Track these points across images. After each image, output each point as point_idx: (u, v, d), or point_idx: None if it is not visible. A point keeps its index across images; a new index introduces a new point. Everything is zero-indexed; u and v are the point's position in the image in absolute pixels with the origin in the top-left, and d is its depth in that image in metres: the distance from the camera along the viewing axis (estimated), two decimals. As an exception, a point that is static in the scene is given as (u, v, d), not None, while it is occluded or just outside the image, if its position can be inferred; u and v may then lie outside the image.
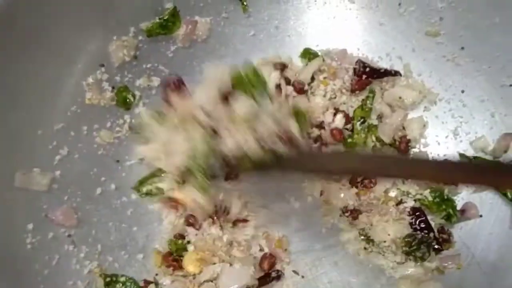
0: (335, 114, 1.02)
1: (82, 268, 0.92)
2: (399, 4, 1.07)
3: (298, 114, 0.96)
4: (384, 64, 1.07)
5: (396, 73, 1.04)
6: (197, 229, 0.97)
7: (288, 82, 1.03)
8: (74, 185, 0.96)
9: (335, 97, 1.04)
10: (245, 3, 1.09)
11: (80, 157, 0.97)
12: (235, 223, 0.98)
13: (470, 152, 1.00)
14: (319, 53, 1.08)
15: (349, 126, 1.02)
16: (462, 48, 1.04)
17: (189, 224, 0.98)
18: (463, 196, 0.98)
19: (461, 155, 1.00)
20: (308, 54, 1.08)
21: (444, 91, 1.04)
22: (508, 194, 0.95)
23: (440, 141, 1.02)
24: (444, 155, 1.01)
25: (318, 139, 1.02)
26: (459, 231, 0.96)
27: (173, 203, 0.97)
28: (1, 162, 0.87)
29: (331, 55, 1.09)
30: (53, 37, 0.92)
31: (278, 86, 1.02)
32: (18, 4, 0.86)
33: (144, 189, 0.99)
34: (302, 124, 0.92)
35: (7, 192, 0.87)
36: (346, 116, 1.02)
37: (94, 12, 0.96)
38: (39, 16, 0.89)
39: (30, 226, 0.88)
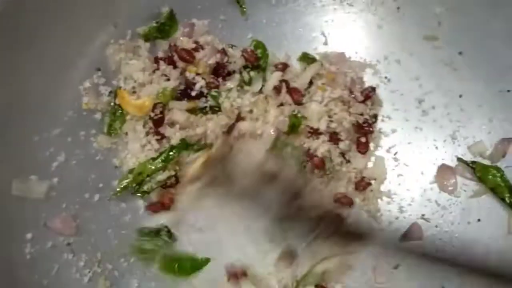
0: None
1: (82, 277, 0.91)
2: (398, 8, 1.08)
3: (294, 126, 0.97)
4: (382, 68, 1.07)
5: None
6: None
7: (287, 86, 1.03)
8: (72, 192, 0.94)
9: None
10: (243, 6, 1.08)
11: (78, 163, 0.96)
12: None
13: (468, 157, 1.01)
14: (317, 57, 1.08)
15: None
16: (460, 53, 1.04)
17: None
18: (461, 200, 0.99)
19: (459, 159, 1.01)
20: (306, 58, 1.08)
21: (442, 95, 1.05)
22: (506, 199, 0.96)
23: (438, 145, 1.03)
24: (442, 159, 1.02)
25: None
26: (457, 236, 0.97)
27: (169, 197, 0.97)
28: (-2, 170, 0.85)
29: (329, 58, 1.08)
30: (50, 42, 0.90)
31: (276, 88, 1.01)
32: (15, 9, 0.85)
33: (145, 187, 0.97)
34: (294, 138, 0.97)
35: (5, 201, 0.86)
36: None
37: (91, 16, 0.95)
38: (37, 21, 0.87)
39: (29, 236, 0.86)
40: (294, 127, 0.99)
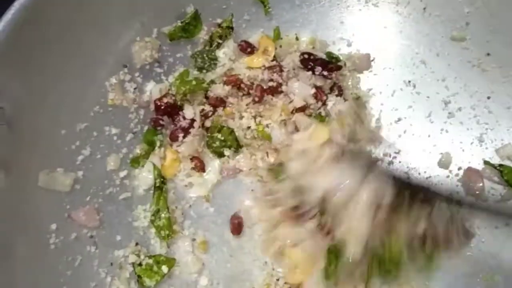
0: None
1: (104, 269, 0.92)
2: (424, 9, 1.06)
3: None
4: (406, 70, 1.06)
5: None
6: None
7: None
8: (96, 185, 0.96)
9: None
10: (267, 5, 1.09)
11: (102, 157, 0.97)
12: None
13: (496, 160, 0.98)
14: (341, 58, 1.07)
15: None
16: (488, 54, 1.02)
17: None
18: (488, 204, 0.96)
19: (486, 162, 0.98)
20: (330, 58, 1.07)
21: (469, 97, 1.03)
22: (536, 202, 0.93)
23: (464, 148, 1.01)
24: (469, 162, 0.99)
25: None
26: (484, 241, 0.94)
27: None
28: (26, 162, 0.87)
29: (353, 59, 1.08)
30: (78, 38, 0.92)
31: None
32: (44, 5, 0.87)
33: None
34: None
35: (31, 192, 0.87)
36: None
37: (118, 14, 0.97)
38: (65, 17, 0.89)
39: (54, 226, 0.88)
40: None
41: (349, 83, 1.07)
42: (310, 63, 1.03)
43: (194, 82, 1.03)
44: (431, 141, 1.02)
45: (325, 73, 1.03)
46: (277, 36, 1.08)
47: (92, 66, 0.96)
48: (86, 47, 0.94)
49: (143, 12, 1.00)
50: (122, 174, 0.99)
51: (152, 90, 1.03)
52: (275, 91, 1.03)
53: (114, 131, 0.99)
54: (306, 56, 1.04)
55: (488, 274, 0.91)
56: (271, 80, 1.03)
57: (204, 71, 1.07)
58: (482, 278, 0.91)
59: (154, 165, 0.99)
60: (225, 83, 1.04)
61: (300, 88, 1.02)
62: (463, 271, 0.92)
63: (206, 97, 1.04)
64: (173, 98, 1.02)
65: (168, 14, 1.03)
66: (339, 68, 1.05)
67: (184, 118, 1.02)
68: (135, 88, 1.02)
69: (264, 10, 1.09)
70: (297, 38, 1.09)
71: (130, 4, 0.98)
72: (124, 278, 0.92)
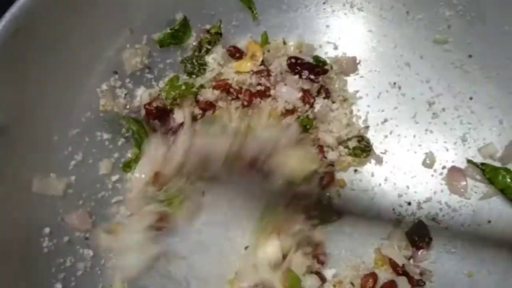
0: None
1: (98, 271, 0.94)
2: (407, 12, 1.09)
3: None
4: (391, 72, 1.08)
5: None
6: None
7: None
8: (88, 190, 0.98)
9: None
10: (254, 11, 1.11)
11: (94, 162, 0.99)
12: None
13: (479, 159, 1.01)
14: (328, 61, 1.10)
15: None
16: (470, 56, 1.05)
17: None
18: (471, 202, 0.99)
19: (469, 161, 1.01)
20: (317, 62, 1.10)
21: (452, 97, 1.05)
22: (516, 198, 0.96)
23: (448, 147, 1.03)
24: (453, 162, 1.02)
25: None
26: (468, 236, 0.96)
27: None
28: (19, 168, 0.89)
29: (339, 62, 1.10)
30: (68, 47, 0.94)
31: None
32: (35, 14, 0.89)
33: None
34: None
35: (25, 197, 0.89)
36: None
37: (109, 23, 0.99)
38: (55, 27, 0.91)
39: (47, 230, 0.90)
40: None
41: (336, 85, 1.09)
42: (297, 67, 1.06)
43: (183, 87, 1.05)
44: (416, 141, 1.04)
45: (312, 76, 1.05)
46: (264, 41, 1.11)
47: (83, 73, 0.98)
48: (77, 55, 0.95)
49: (133, 20, 1.02)
50: (114, 178, 1.01)
51: (142, 95, 1.05)
52: (263, 94, 1.05)
53: (105, 136, 1.01)
54: (293, 60, 1.06)
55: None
56: (259, 84, 1.05)
57: (194, 76, 1.09)
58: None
59: None
60: (214, 87, 1.06)
61: (288, 92, 1.04)
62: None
63: (196, 101, 1.07)
64: (163, 102, 1.04)
65: (157, 21, 1.05)
66: (325, 71, 1.07)
67: (174, 121, 1.04)
68: (126, 94, 1.04)
69: (252, 15, 1.11)
70: (284, 43, 1.12)
71: (120, 12, 1.01)
72: (118, 280, 0.94)
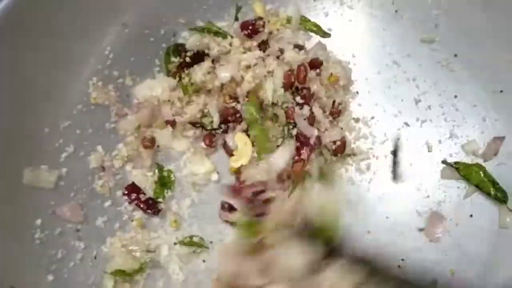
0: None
1: (89, 263, 0.94)
2: (396, 11, 1.11)
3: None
4: (379, 70, 1.10)
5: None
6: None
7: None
8: (80, 182, 0.98)
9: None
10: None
11: (86, 155, 1.00)
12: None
13: (462, 155, 1.03)
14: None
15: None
16: (456, 55, 1.08)
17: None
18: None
19: (444, 162, 1.03)
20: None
21: (438, 95, 1.08)
22: (492, 192, 0.98)
23: (433, 144, 1.06)
24: (438, 158, 1.05)
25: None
26: (451, 231, 1.00)
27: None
28: (10, 159, 0.89)
29: (328, 61, 1.11)
30: (61, 38, 0.94)
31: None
32: (27, 6, 0.88)
33: None
34: None
35: (16, 189, 0.89)
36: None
37: (101, 15, 0.99)
38: (48, 18, 0.91)
39: (39, 222, 0.90)
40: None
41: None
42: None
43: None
44: (402, 138, 1.07)
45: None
46: None
47: (75, 65, 0.99)
48: (68, 48, 0.96)
49: (125, 13, 1.03)
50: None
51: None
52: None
53: (95, 129, 1.01)
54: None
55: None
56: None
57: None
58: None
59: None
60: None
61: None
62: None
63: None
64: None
65: (149, 15, 1.05)
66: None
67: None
68: (117, 87, 1.04)
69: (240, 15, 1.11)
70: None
71: (112, 5, 1.01)
72: (109, 271, 0.95)
